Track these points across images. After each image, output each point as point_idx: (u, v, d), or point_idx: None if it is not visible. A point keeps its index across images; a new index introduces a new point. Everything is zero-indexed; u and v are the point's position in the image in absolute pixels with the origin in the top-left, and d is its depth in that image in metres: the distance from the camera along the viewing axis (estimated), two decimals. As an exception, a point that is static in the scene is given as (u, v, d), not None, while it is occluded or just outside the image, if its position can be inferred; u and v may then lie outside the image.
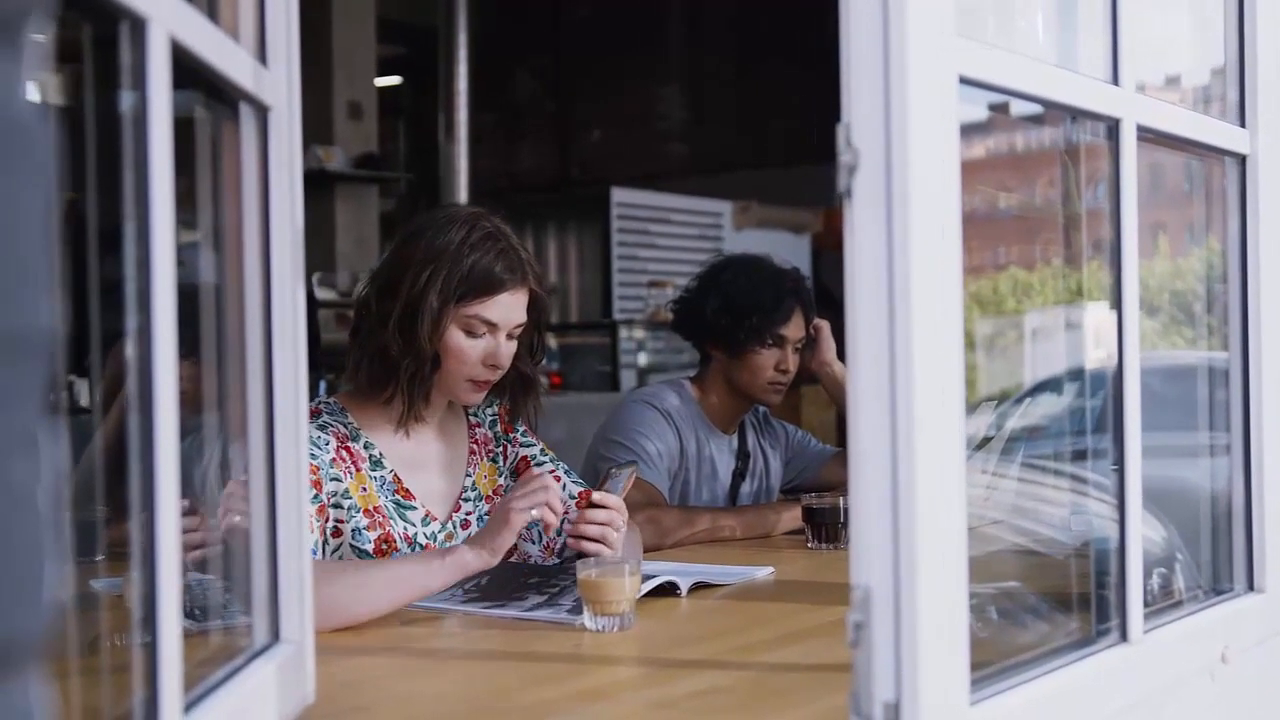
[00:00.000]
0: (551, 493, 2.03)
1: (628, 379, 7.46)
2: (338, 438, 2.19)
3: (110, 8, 0.97)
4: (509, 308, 2.23)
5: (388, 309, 2.19)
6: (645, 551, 2.64)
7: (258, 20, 1.37)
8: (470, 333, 2.21)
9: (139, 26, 1.00)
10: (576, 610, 1.92)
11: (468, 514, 2.33)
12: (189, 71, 1.13)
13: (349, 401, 2.28)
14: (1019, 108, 1.58)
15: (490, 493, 2.38)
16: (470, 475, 2.36)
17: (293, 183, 1.40)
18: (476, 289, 2.19)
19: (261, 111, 1.36)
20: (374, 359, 2.21)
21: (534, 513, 2.00)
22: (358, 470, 2.20)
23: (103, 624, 1.32)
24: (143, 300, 1.02)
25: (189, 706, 1.11)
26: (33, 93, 0.61)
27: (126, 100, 1.03)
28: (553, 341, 7.85)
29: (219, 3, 1.31)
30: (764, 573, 2.37)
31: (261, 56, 1.36)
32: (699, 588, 2.20)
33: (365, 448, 2.23)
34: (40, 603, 0.60)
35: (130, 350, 1.03)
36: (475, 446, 2.40)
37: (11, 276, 0.58)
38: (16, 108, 0.59)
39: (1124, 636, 1.53)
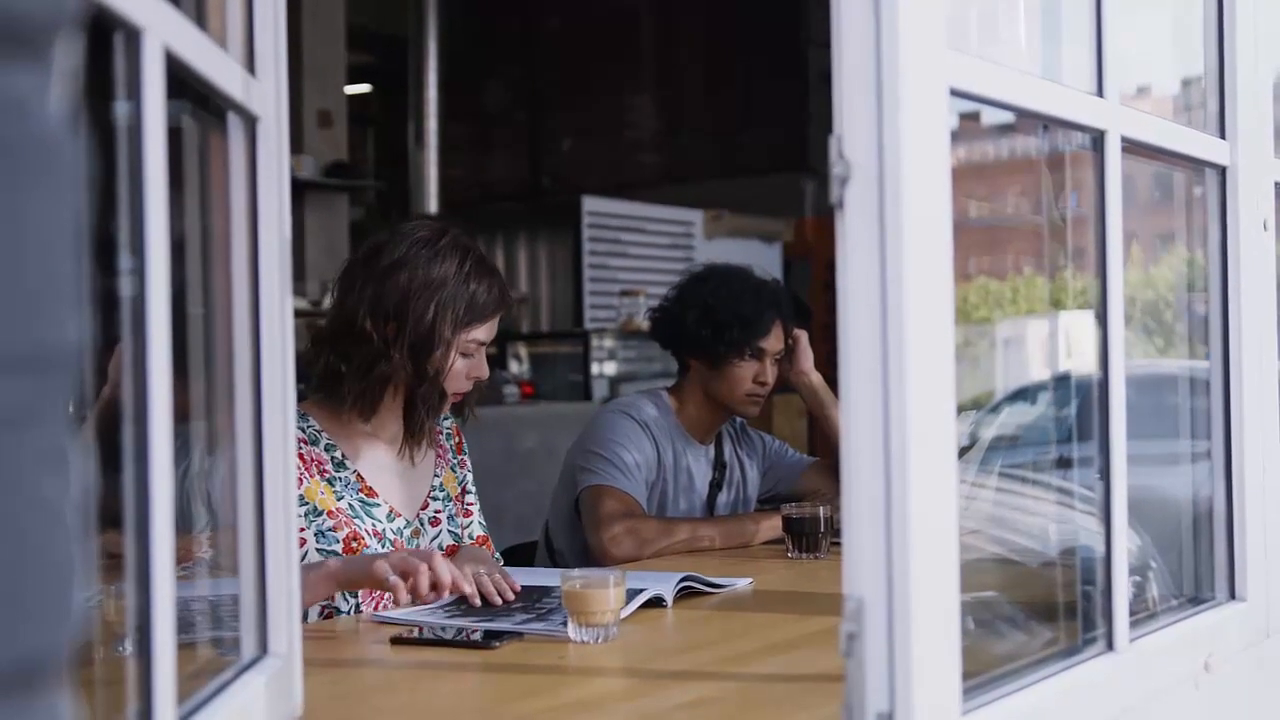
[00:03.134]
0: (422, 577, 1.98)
1: (600, 388, 7.45)
2: None
3: (105, 17, 0.96)
4: (495, 326, 2.37)
5: (386, 334, 2.25)
6: (625, 563, 2.64)
7: (246, 30, 1.36)
8: (464, 354, 2.32)
9: (134, 37, 1.00)
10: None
11: (436, 511, 2.43)
12: (178, 81, 1.12)
13: (314, 408, 2.34)
14: (989, 117, 1.59)
15: (455, 496, 2.48)
16: (438, 476, 2.45)
17: (281, 193, 1.39)
18: (479, 316, 2.31)
19: (250, 122, 1.35)
20: (378, 385, 2.28)
21: (392, 579, 1.95)
22: (312, 475, 2.26)
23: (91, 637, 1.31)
24: (137, 310, 1.01)
25: (181, 721, 1.10)
26: (61, 106, 0.61)
27: (120, 110, 1.03)
28: (524, 351, 7.83)
29: (207, 12, 1.30)
30: (744, 583, 2.37)
31: (250, 67, 1.36)
32: (685, 595, 2.20)
33: (326, 450, 2.30)
34: (70, 618, 0.60)
35: (125, 360, 1.02)
36: (440, 450, 2.49)
37: (41, 291, 0.57)
38: (45, 122, 0.58)
39: (1110, 645, 1.54)
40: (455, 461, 2.52)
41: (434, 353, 2.27)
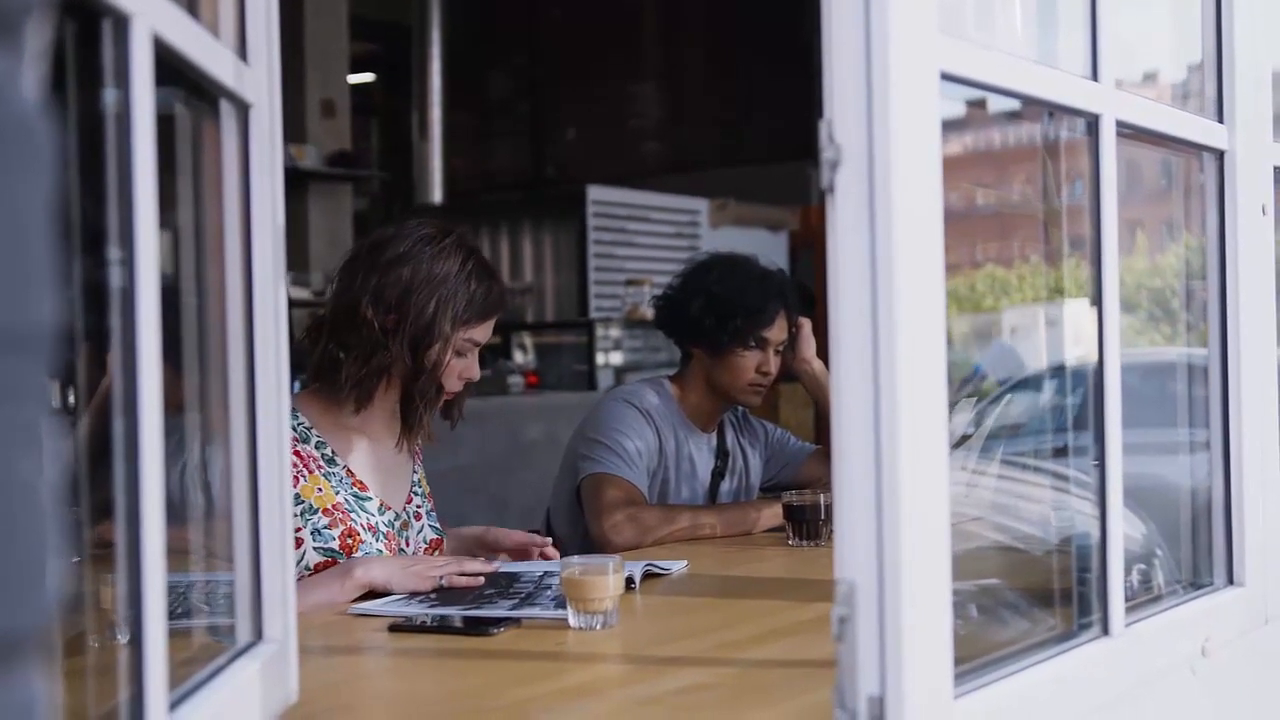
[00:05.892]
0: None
1: (605, 378, 7.45)
2: None
3: (93, 4, 0.96)
4: (491, 329, 2.41)
5: (386, 324, 2.28)
6: (626, 550, 2.65)
7: (238, 17, 1.37)
8: (459, 353, 2.35)
9: (122, 23, 1.00)
10: (561, 604, 1.92)
11: (417, 507, 2.48)
12: (169, 68, 1.12)
13: (302, 402, 2.36)
14: (996, 104, 1.59)
15: (428, 493, 2.53)
16: (416, 473, 2.50)
17: (274, 181, 1.39)
18: (477, 316, 2.34)
19: (243, 109, 1.36)
20: (375, 375, 2.31)
21: (443, 582, 2.16)
22: (311, 473, 2.29)
23: (84, 624, 1.32)
24: (126, 300, 1.01)
25: (173, 705, 1.10)
26: (33, 89, 0.61)
27: (108, 97, 1.03)
28: (529, 341, 7.84)
29: (199, -1, 1.30)
30: (679, 566, 2.41)
31: (242, 53, 1.36)
32: (649, 577, 2.26)
33: (317, 447, 2.33)
34: (44, 597, 0.60)
35: (114, 351, 1.02)
36: (417, 450, 2.53)
37: (15, 272, 0.58)
38: (18, 105, 0.59)
39: (1105, 630, 1.54)
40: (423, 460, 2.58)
41: (432, 346, 2.30)
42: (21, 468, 0.58)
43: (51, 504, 0.60)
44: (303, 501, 2.24)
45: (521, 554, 2.46)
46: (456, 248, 2.34)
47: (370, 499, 2.35)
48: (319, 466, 2.30)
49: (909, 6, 1.19)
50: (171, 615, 1.13)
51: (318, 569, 2.22)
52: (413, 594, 2.11)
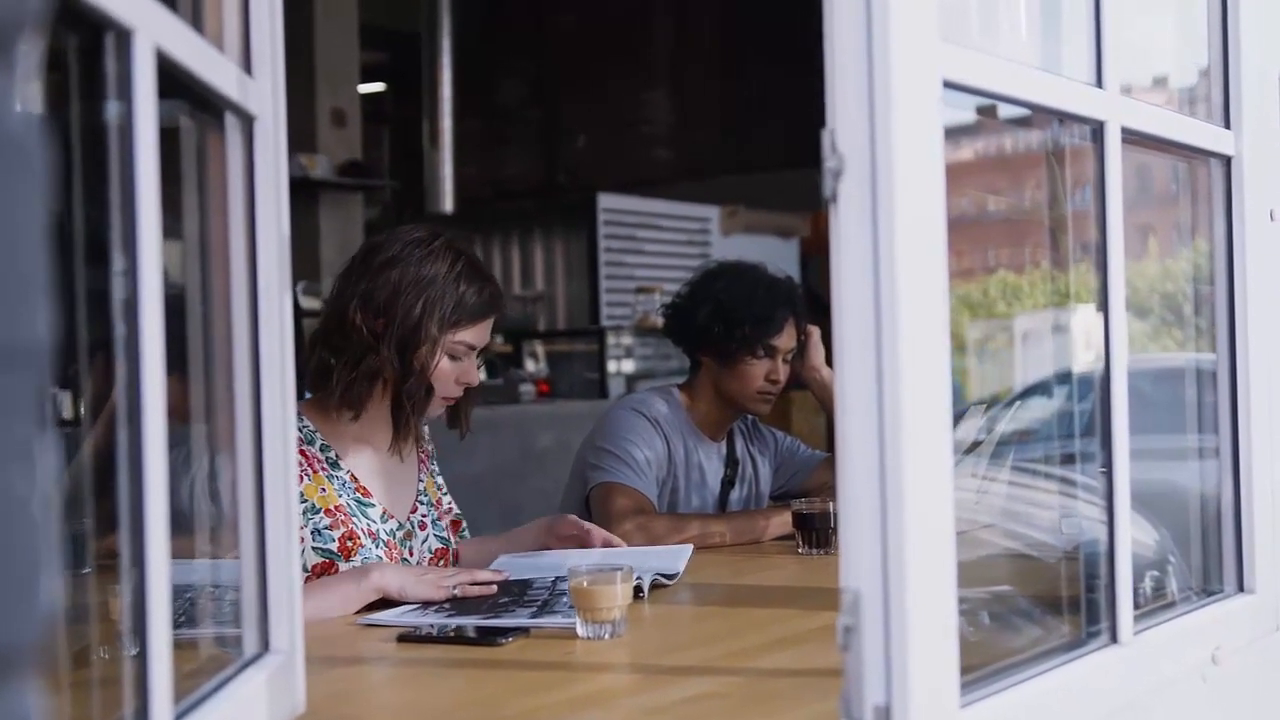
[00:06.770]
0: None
1: (616, 386, 7.45)
2: None
3: (96, 18, 0.97)
4: (487, 332, 2.39)
5: (375, 328, 2.29)
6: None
7: (242, 30, 1.37)
8: (453, 357, 2.35)
9: (124, 37, 1.00)
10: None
11: (423, 516, 2.47)
12: (173, 81, 1.13)
13: (308, 409, 2.37)
14: (1006, 110, 1.59)
15: (435, 501, 2.52)
16: (422, 481, 2.50)
17: (279, 192, 1.40)
18: (467, 317, 2.33)
19: (247, 121, 1.36)
20: (365, 379, 2.31)
21: (456, 592, 2.14)
22: (315, 473, 2.29)
23: (92, 636, 1.32)
24: (129, 311, 1.02)
25: (179, 717, 1.10)
26: (26, 104, 0.61)
27: (111, 110, 1.03)
28: (540, 349, 7.83)
29: (203, 12, 1.31)
30: (685, 552, 2.43)
31: (246, 66, 1.36)
32: (656, 587, 2.24)
33: (322, 450, 2.33)
34: (37, 610, 0.61)
35: (118, 362, 1.02)
36: (423, 457, 2.53)
37: (8, 288, 0.58)
38: (11, 120, 0.59)
39: (1114, 638, 1.54)
40: (434, 469, 2.57)
41: (420, 349, 2.29)
42: (15, 483, 0.58)
43: (45, 519, 0.61)
44: (305, 501, 2.25)
45: (580, 542, 2.48)
46: (445, 250, 2.34)
47: (373, 505, 2.35)
48: (323, 468, 2.30)
49: (910, 14, 1.19)
50: (177, 625, 1.13)
51: (316, 570, 2.23)
52: (426, 604, 2.11)
